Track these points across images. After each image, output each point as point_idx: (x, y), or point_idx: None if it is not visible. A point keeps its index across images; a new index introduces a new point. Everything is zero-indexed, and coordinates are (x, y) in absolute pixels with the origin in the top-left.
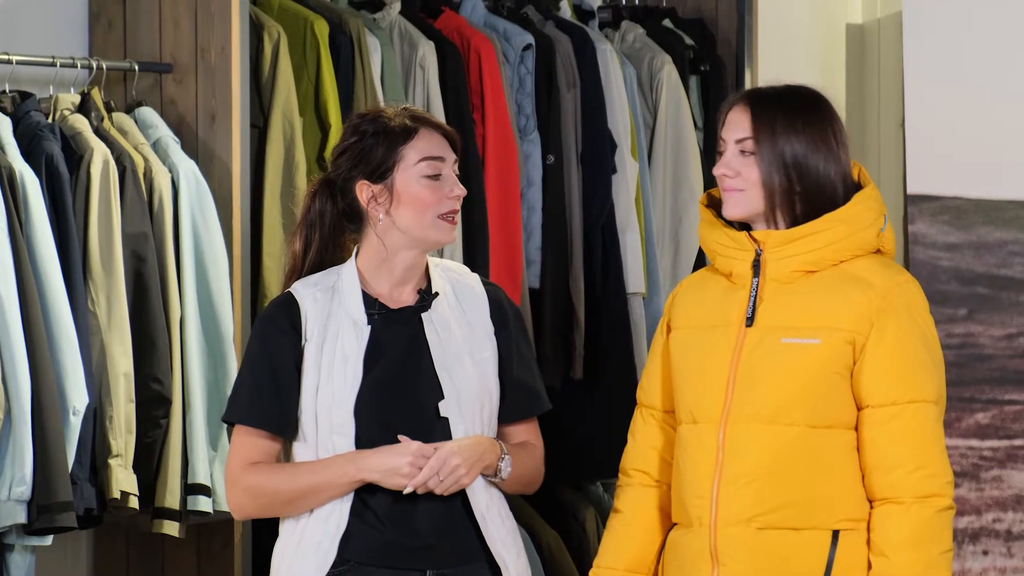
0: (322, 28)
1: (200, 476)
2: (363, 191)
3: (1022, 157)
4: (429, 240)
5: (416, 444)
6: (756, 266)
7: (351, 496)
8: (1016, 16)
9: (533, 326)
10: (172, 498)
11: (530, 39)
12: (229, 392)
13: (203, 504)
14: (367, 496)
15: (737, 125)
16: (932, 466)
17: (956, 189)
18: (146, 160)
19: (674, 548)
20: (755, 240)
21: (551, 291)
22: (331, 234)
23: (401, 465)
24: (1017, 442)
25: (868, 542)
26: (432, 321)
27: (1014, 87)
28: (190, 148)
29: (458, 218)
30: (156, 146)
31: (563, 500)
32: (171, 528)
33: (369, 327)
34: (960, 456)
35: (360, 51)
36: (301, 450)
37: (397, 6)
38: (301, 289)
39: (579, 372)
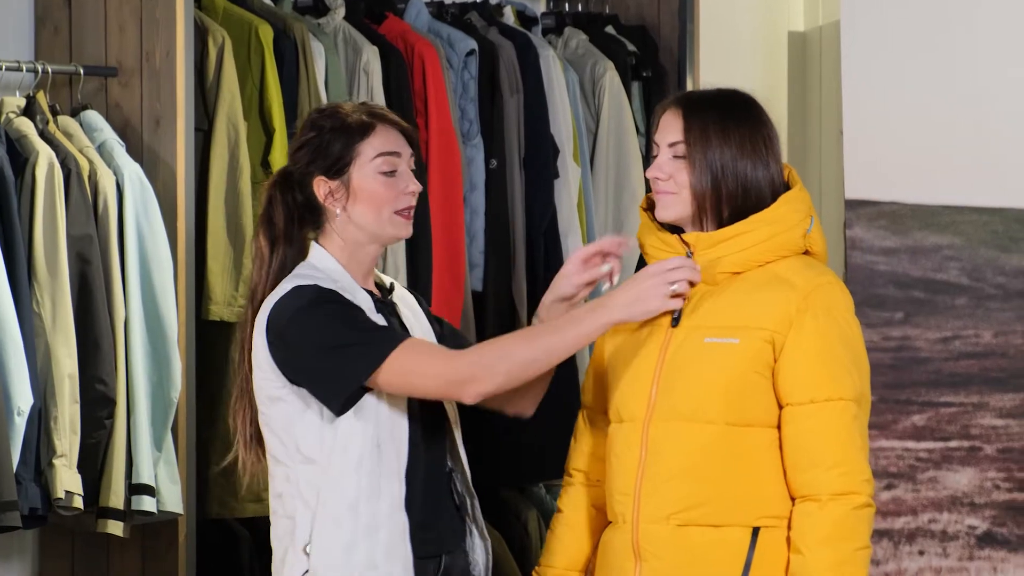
0: (266, 33)
1: (144, 476)
2: (320, 186)
3: (957, 163)
4: (386, 235)
5: (651, 266)
6: None
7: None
8: (950, 25)
9: (476, 329)
10: (116, 498)
11: (473, 45)
12: (174, 393)
13: (147, 504)
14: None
15: (670, 129)
16: (849, 464)
17: (893, 195)
18: (91, 163)
19: (603, 545)
20: (686, 243)
21: (494, 294)
22: (294, 226)
23: (644, 289)
24: (952, 444)
25: (788, 539)
26: (403, 308)
27: (949, 95)
28: (135, 151)
29: (413, 213)
30: (101, 149)
31: (506, 501)
32: (115, 528)
33: (381, 316)
34: (896, 458)
35: (304, 56)
36: (350, 425)
37: (341, 11)
38: (303, 283)
39: None
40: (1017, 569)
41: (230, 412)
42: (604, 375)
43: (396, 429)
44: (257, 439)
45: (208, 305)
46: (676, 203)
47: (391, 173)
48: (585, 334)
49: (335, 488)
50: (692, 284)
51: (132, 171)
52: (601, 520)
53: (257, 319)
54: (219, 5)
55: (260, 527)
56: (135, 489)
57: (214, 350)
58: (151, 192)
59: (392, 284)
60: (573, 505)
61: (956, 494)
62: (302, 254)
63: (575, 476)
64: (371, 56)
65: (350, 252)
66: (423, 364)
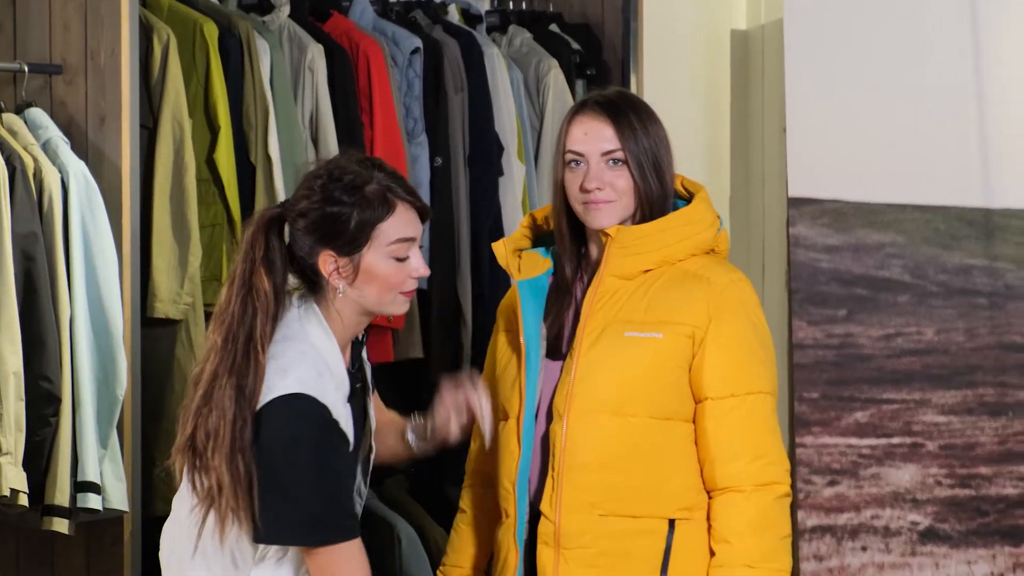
0: (211, 30)
1: (89, 474)
2: (327, 261)
3: (900, 161)
4: (385, 313)
5: None
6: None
7: None
8: (892, 23)
9: (421, 327)
10: (62, 496)
11: (418, 43)
12: (120, 391)
13: (92, 501)
14: None
15: (600, 138)
16: (770, 455)
17: (836, 192)
18: (36, 160)
19: (497, 541)
20: (607, 234)
21: (439, 292)
22: (287, 271)
23: None
24: (895, 440)
25: (709, 530)
26: (368, 390)
27: (892, 93)
28: (80, 149)
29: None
30: (46, 147)
31: (451, 499)
32: (61, 525)
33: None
34: (839, 454)
35: (249, 54)
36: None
37: (286, 9)
38: (320, 392)
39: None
40: (959, 565)
41: (189, 415)
42: (493, 379)
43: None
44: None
45: (153, 302)
46: (616, 210)
47: (404, 258)
48: None
49: None
50: None
51: (77, 169)
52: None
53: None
54: (164, 3)
55: None
56: (80, 487)
57: (159, 347)
58: (96, 190)
59: (362, 336)
60: (473, 505)
61: (898, 490)
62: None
63: (474, 477)
64: (316, 54)
65: (346, 325)
66: (352, 571)
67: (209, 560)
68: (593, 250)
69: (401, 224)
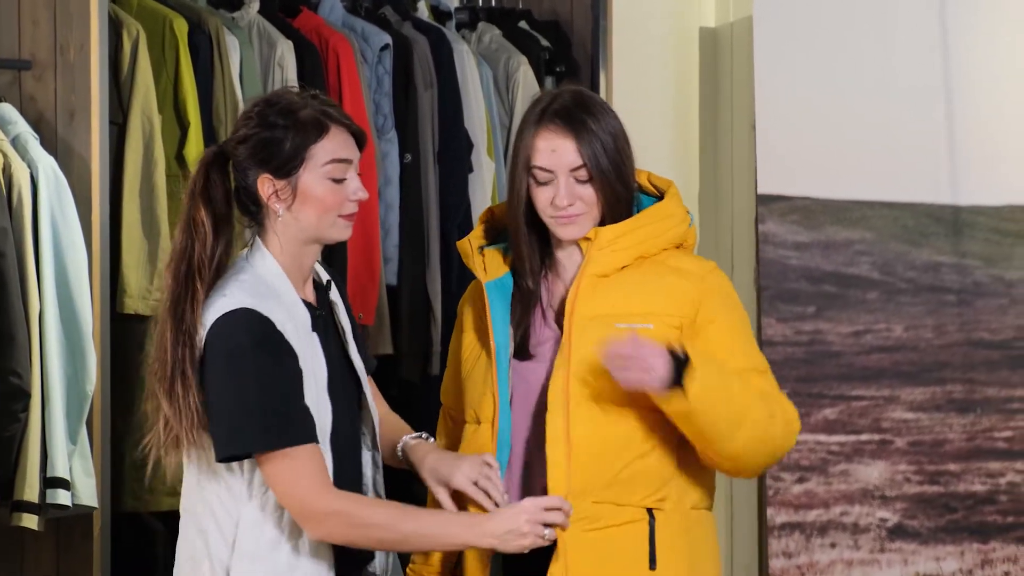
0: (181, 26)
1: (59, 469)
2: (264, 184)
3: (868, 158)
4: (327, 237)
5: (527, 501)
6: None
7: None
8: (861, 20)
9: (391, 323)
10: (31, 491)
11: (388, 39)
12: (89, 387)
13: (62, 497)
14: None
15: (564, 154)
16: (786, 412)
17: (805, 189)
18: (5, 156)
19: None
20: (588, 238)
21: (409, 288)
22: (231, 207)
23: (520, 524)
24: (864, 437)
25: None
26: (339, 314)
27: (860, 90)
28: (49, 144)
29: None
30: (15, 142)
31: (418, 496)
32: (30, 521)
33: (317, 339)
34: (808, 451)
35: (219, 50)
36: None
37: (256, 5)
38: (263, 308)
39: (437, 368)
40: (927, 561)
41: (161, 392)
42: (459, 380)
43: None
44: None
45: (123, 298)
46: (587, 220)
47: (340, 180)
48: (447, 545)
49: (253, 525)
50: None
51: (47, 164)
52: None
53: (203, 314)
54: None
55: (175, 521)
56: (50, 482)
57: (129, 343)
58: (65, 185)
59: (328, 282)
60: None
61: (867, 487)
62: (234, 239)
63: None
64: (285, 50)
65: (291, 254)
66: (298, 478)
67: (214, 509)
68: (560, 254)
69: (335, 145)
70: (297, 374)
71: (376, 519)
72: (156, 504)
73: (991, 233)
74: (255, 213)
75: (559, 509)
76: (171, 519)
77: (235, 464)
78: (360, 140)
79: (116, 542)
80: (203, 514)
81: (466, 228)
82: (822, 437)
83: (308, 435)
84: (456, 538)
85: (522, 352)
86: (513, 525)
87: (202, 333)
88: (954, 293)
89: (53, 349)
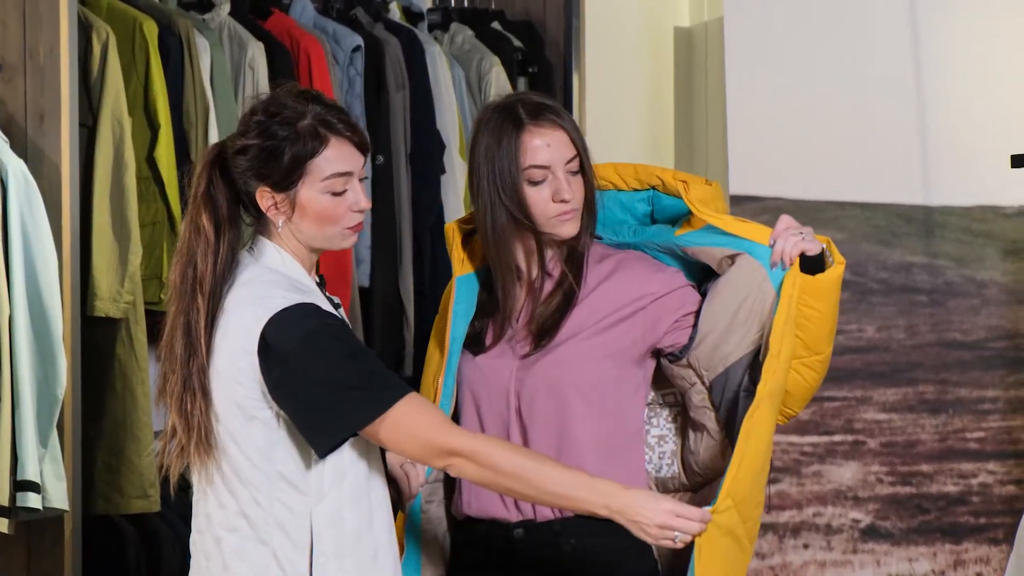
0: (151, 29)
1: (29, 473)
2: (263, 197)
3: (840, 159)
4: (332, 247)
5: (671, 502)
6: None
7: None
8: (832, 22)
9: (363, 324)
10: (1, 495)
11: (359, 41)
12: (60, 390)
13: (32, 501)
14: None
15: (561, 146)
16: None
17: (777, 190)
18: None
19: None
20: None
21: (381, 290)
22: (237, 208)
23: (658, 521)
24: (836, 438)
25: None
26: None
27: (832, 91)
28: (19, 147)
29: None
30: None
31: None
32: (0, 525)
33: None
34: (781, 452)
35: (189, 52)
36: (344, 458)
37: (226, 7)
38: (304, 298)
39: (409, 369)
40: (900, 562)
41: (170, 403)
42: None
43: (376, 458)
44: (208, 439)
45: (93, 301)
46: (580, 216)
47: (341, 193)
48: (572, 505)
49: (332, 521)
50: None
51: (16, 167)
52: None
53: (234, 323)
54: (103, 1)
55: (146, 524)
56: (20, 486)
57: (99, 346)
58: (35, 188)
59: (322, 282)
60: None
61: (840, 488)
62: (241, 241)
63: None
64: (256, 52)
65: (305, 255)
66: (419, 424)
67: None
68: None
69: (335, 158)
70: (368, 349)
71: (504, 466)
72: (127, 507)
73: (963, 234)
74: (259, 217)
75: (699, 525)
76: (142, 522)
77: (313, 461)
78: (363, 148)
79: (87, 545)
80: (263, 526)
81: (438, 229)
82: (794, 438)
83: (406, 388)
84: (580, 500)
85: (477, 344)
86: (646, 514)
87: (233, 340)
88: (926, 294)
89: (23, 352)
